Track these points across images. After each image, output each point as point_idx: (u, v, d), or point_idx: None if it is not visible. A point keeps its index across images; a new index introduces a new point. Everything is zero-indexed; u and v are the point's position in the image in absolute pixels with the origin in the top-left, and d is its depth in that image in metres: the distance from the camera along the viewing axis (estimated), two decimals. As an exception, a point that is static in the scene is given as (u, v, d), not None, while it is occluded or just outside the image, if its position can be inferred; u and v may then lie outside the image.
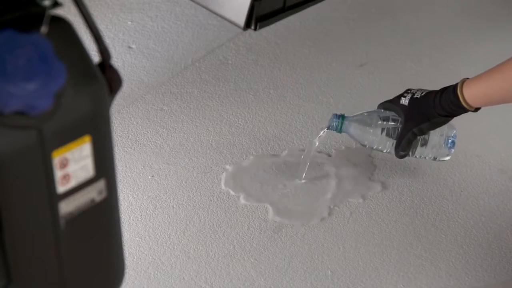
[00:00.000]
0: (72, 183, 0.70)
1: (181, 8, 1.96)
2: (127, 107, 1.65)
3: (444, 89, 1.36)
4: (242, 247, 1.36)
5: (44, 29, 0.66)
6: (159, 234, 1.37)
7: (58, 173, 0.69)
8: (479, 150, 1.61)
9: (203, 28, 1.91)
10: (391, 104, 1.43)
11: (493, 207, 1.48)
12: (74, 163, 0.70)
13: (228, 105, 1.67)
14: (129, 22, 1.91)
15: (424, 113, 1.37)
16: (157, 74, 1.75)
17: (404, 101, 1.40)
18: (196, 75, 1.76)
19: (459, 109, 1.34)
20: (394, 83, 1.76)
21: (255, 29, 1.18)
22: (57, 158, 0.68)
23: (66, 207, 0.71)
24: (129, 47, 1.83)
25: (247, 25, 1.17)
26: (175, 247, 1.35)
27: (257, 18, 1.17)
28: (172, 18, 1.93)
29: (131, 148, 1.55)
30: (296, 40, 1.89)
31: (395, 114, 1.43)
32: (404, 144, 1.41)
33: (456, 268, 1.35)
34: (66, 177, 0.69)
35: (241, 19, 1.17)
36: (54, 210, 0.70)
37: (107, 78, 0.73)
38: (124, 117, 1.62)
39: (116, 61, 1.75)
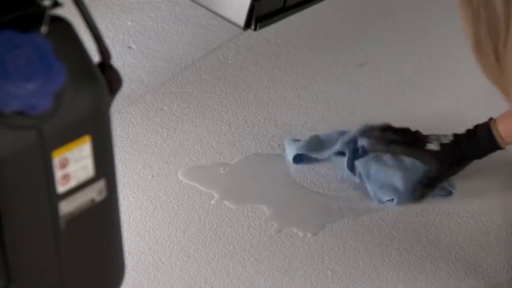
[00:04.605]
0: (72, 183, 0.70)
1: (181, 8, 1.96)
2: (127, 107, 1.65)
3: (473, 132, 1.41)
4: (242, 247, 1.36)
5: (44, 29, 0.66)
6: (159, 234, 1.37)
7: (58, 173, 0.69)
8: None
9: (203, 28, 1.91)
10: (417, 151, 1.43)
11: (493, 207, 1.48)
12: (74, 163, 0.70)
13: (228, 105, 1.67)
14: (129, 22, 1.91)
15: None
16: (157, 74, 1.75)
17: (433, 147, 1.43)
18: (196, 75, 1.76)
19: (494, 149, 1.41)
20: (394, 83, 1.76)
21: (255, 29, 1.18)
22: (57, 158, 0.68)
23: (66, 207, 0.71)
24: (129, 47, 1.83)
25: (247, 25, 1.17)
26: (175, 247, 1.35)
27: (257, 18, 1.17)
28: (172, 18, 1.93)
29: (131, 148, 1.55)
30: (296, 40, 1.89)
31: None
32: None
33: (456, 268, 1.35)
34: (66, 177, 0.69)
35: (241, 19, 1.17)
36: (54, 210, 0.70)
37: (107, 78, 0.73)
38: (124, 117, 1.62)
39: (116, 61, 1.74)
